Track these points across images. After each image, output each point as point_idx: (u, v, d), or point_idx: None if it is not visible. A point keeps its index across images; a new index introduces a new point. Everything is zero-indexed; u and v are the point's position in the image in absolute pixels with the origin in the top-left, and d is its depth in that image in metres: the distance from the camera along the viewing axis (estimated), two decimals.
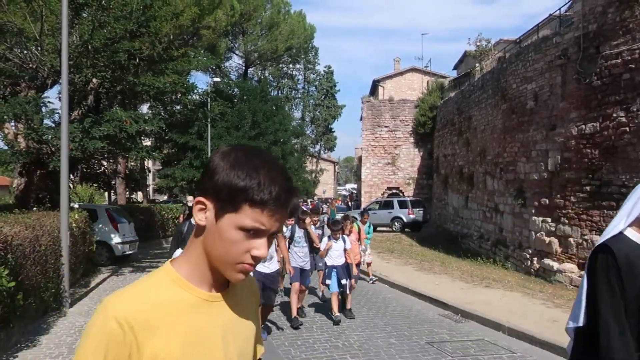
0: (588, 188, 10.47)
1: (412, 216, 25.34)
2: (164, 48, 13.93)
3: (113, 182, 26.75)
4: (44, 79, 12.19)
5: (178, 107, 18.02)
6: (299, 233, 7.73)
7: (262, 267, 6.41)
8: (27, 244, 7.04)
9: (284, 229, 7.89)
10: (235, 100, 31.24)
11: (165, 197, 47.06)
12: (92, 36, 11.45)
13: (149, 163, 38.92)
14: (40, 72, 11.96)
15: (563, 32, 11.75)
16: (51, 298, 8.23)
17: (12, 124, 12.47)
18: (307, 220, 7.90)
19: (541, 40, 13.01)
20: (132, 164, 28.86)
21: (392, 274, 11.99)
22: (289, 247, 7.59)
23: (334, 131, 58.92)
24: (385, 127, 30.43)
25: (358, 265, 9.93)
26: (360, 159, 37.57)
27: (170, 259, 1.17)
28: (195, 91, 17.00)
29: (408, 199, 26.90)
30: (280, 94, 50.39)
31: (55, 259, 8.49)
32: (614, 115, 9.80)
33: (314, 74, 55.50)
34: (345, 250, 8.03)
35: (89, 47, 11.61)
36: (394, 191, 30.05)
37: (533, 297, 9.41)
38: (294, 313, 7.52)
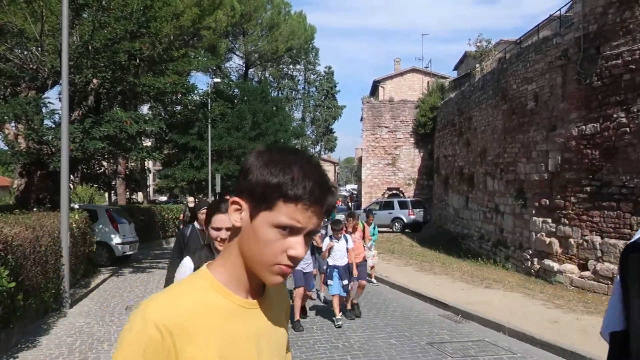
0: (588, 189, 10.46)
1: (412, 217, 25.33)
2: (164, 49, 13.93)
3: (113, 183, 26.75)
4: (44, 79, 12.19)
5: (178, 108, 18.01)
6: None
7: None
8: (27, 245, 7.04)
9: None
10: (236, 101, 31.25)
11: (164, 198, 47.08)
12: (92, 37, 11.45)
13: (149, 164, 38.92)
14: (41, 73, 11.97)
15: (563, 33, 11.75)
16: (51, 298, 8.23)
17: (13, 124, 12.48)
18: None
19: (541, 40, 13.01)
20: (133, 164, 28.86)
21: (392, 274, 11.99)
22: None
23: (334, 132, 58.99)
24: (386, 127, 30.43)
25: (361, 263, 9.22)
26: (360, 159, 37.55)
27: (207, 263, 1.14)
28: (196, 92, 17.01)
29: (408, 199, 26.89)
30: (280, 95, 50.42)
31: (56, 259, 8.49)
32: (615, 115, 9.80)
33: (314, 75, 55.55)
34: (347, 249, 7.83)
35: (90, 47, 11.61)
36: (395, 192, 30.04)
37: (533, 297, 9.41)
38: (297, 316, 7.48)
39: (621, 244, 9.57)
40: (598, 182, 10.21)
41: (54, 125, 12.43)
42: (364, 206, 28.68)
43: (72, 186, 20.10)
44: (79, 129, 11.59)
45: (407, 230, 25.05)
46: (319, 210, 1.04)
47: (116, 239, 14.36)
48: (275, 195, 1.01)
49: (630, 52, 9.54)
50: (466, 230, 19.49)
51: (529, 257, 12.76)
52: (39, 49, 11.81)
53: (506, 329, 7.30)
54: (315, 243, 8.03)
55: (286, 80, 53.18)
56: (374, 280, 11.54)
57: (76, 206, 14.52)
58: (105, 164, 19.47)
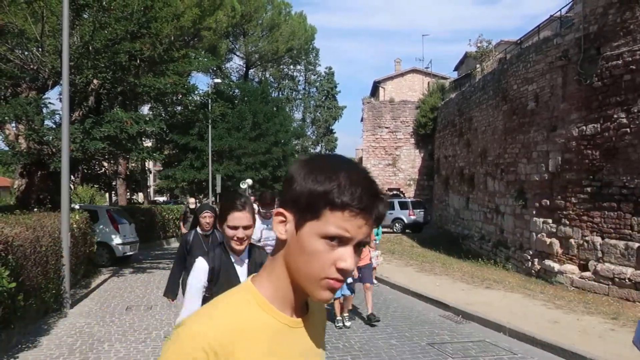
0: (589, 189, 10.46)
1: (412, 217, 25.32)
2: (164, 49, 13.94)
3: (114, 183, 26.75)
4: (44, 80, 12.20)
5: (179, 108, 18.00)
6: None
7: None
8: (27, 245, 7.04)
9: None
10: (236, 102, 31.29)
11: (164, 198, 47.09)
12: (92, 37, 11.46)
13: (149, 164, 38.93)
14: (41, 73, 11.97)
15: (564, 33, 11.75)
16: (52, 299, 8.23)
17: (13, 125, 12.49)
18: None
19: (542, 41, 13.01)
20: (133, 165, 28.86)
21: (393, 275, 11.98)
22: None
23: (335, 132, 58.97)
24: (386, 128, 30.43)
25: (367, 265, 8.57)
26: (361, 160, 37.54)
27: (251, 277, 1.08)
28: (196, 92, 17.01)
29: (409, 200, 26.88)
30: (281, 95, 50.45)
31: (56, 259, 8.49)
32: (615, 116, 9.80)
33: (314, 75, 55.54)
34: None
35: (90, 48, 11.62)
36: (395, 192, 30.04)
37: (534, 298, 9.40)
38: None
39: (622, 244, 9.58)
40: (598, 183, 10.21)
41: (54, 126, 12.44)
42: None
43: (72, 186, 20.11)
44: (79, 129, 11.60)
45: (407, 230, 25.05)
46: (369, 218, 0.98)
47: (117, 240, 14.36)
48: (321, 203, 0.96)
49: (630, 52, 9.54)
50: (467, 230, 19.48)
51: (529, 257, 12.75)
52: (40, 49, 11.82)
53: (507, 330, 7.30)
54: None
55: (286, 81, 53.19)
56: (374, 280, 11.54)
57: (77, 206, 14.53)
58: (105, 164, 19.50)
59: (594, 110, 10.39)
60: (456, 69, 36.80)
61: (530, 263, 12.67)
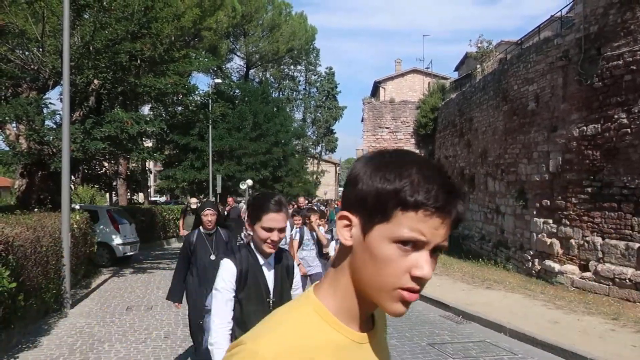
0: (589, 189, 10.45)
1: None
2: (165, 49, 13.95)
3: (114, 184, 26.77)
4: (45, 80, 12.21)
5: (179, 109, 18.02)
6: (307, 235, 7.45)
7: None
8: (28, 245, 7.04)
9: (293, 230, 7.60)
10: (237, 102, 31.29)
11: (163, 199, 47.11)
12: (93, 37, 11.47)
13: (150, 164, 38.94)
14: (42, 73, 11.98)
15: (564, 34, 11.75)
16: (52, 299, 8.23)
17: (14, 125, 12.50)
18: (313, 218, 7.47)
19: (542, 41, 13.01)
20: (134, 165, 28.88)
21: None
22: (298, 251, 7.33)
23: (335, 132, 58.97)
24: (387, 128, 30.43)
25: None
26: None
27: (314, 284, 0.99)
28: (197, 92, 17.02)
29: None
30: (281, 96, 50.45)
31: (57, 260, 8.50)
32: (615, 116, 9.79)
33: (315, 75, 55.55)
34: None
35: (91, 48, 11.63)
36: None
37: (534, 298, 9.40)
38: None
39: (622, 244, 9.57)
40: (599, 183, 10.21)
41: (55, 126, 12.45)
42: None
43: (73, 187, 20.13)
44: (80, 129, 11.61)
45: None
46: (446, 219, 0.88)
47: (117, 240, 14.36)
48: (391, 204, 0.86)
49: (631, 52, 9.53)
50: (467, 231, 19.48)
51: (529, 257, 12.75)
52: (40, 49, 11.83)
53: (507, 330, 7.29)
54: (323, 248, 7.66)
55: (287, 81, 53.20)
56: None
57: (77, 207, 14.53)
58: (106, 164, 19.52)
59: (595, 110, 10.38)
60: (456, 69, 36.80)
61: (530, 263, 12.67)
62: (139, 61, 12.99)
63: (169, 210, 23.47)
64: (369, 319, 0.99)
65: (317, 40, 52.70)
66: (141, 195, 37.76)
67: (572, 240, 10.94)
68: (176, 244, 20.30)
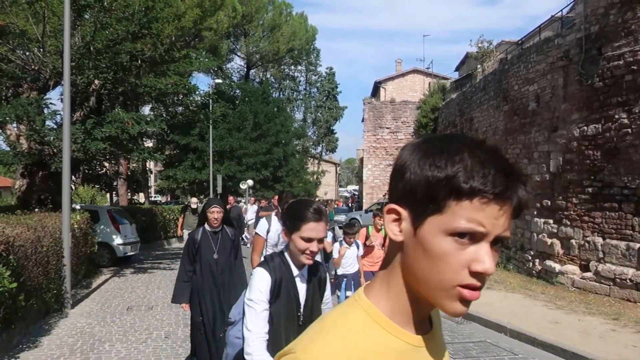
0: (590, 189, 10.45)
1: None
2: (165, 49, 13.95)
3: (115, 184, 26.77)
4: (46, 80, 12.22)
5: (180, 109, 18.04)
6: None
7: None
8: (29, 245, 7.04)
9: None
10: (237, 102, 31.31)
11: (163, 199, 47.11)
12: (94, 37, 11.48)
13: (150, 164, 38.96)
14: (42, 74, 11.99)
15: (565, 34, 11.74)
16: (53, 299, 8.24)
17: (14, 125, 12.50)
18: None
19: (543, 41, 13.00)
20: (134, 165, 28.89)
21: None
22: None
23: (336, 133, 58.98)
24: (387, 128, 30.43)
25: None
26: (361, 160, 37.58)
27: (363, 285, 0.93)
28: (197, 93, 17.03)
29: None
30: (281, 96, 50.47)
31: (57, 260, 8.50)
32: (616, 116, 9.79)
33: (315, 76, 55.56)
34: (357, 256, 7.13)
35: (91, 48, 11.63)
36: None
37: (535, 298, 9.40)
38: None
39: (623, 245, 9.57)
40: (599, 183, 10.20)
41: (55, 126, 12.46)
42: (365, 207, 28.68)
43: (73, 187, 20.12)
44: (80, 129, 11.61)
45: None
46: (507, 206, 0.79)
47: (117, 240, 14.36)
48: (443, 192, 0.78)
49: (632, 52, 9.53)
50: None
51: (530, 258, 12.74)
52: (41, 49, 11.84)
53: (507, 330, 7.29)
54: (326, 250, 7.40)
55: (287, 81, 53.22)
56: None
57: (78, 207, 14.53)
58: (106, 164, 19.50)
59: (595, 110, 10.38)
60: (457, 69, 36.80)
61: (531, 263, 12.66)
62: (139, 61, 13.00)
63: (169, 211, 23.48)
64: (426, 320, 0.91)
65: (317, 40, 52.75)
66: (142, 195, 37.77)
67: (573, 241, 10.93)
68: (177, 244, 20.30)
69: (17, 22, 11.42)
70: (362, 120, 33.04)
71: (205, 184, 28.24)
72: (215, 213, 4.80)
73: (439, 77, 34.42)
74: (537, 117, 12.85)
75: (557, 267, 11.35)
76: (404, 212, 0.83)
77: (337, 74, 80.00)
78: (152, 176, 44.32)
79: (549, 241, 11.82)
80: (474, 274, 0.79)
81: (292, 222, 2.41)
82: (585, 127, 10.64)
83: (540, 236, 12.29)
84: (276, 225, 4.94)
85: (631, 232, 9.44)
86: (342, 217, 26.93)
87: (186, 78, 17.59)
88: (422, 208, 0.80)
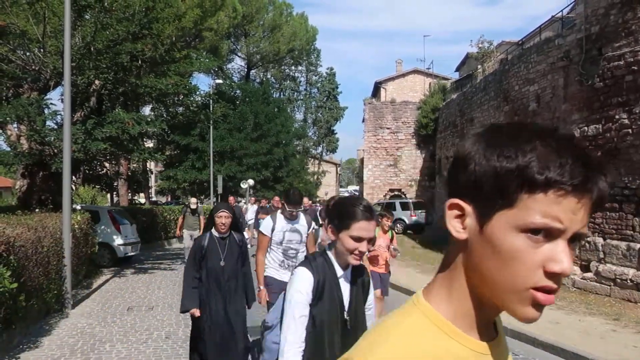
0: None
1: (414, 218, 25.30)
2: (166, 50, 13.96)
3: (115, 184, 26.78)
4: (46, 80, 12.22)
5: (180, 109, 18.05)
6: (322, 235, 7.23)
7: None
8: (29, 246, 7.05)
9: (309, 229, 6.74)
10: (238, 102, 31.35)
11: (163, 199, 47.14)
12: (94, 38, 11.49)
13: (151, 165, 38.98)
14: (43, 74, 12.00)
15: (565, 34, 11.75)
16: (53, 299, 8.24)
17: (15, 125, 12.51)
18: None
19: (543, 42, 13.01)
20: (135, 165, 28.91)
21: (394, 275, 11.93)
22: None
23: (336, 133, 59.02)
24: (387, 128, 30.44)
25: (385, 275, 7.48)
26: (362, 160, 37.58)
27: (423, 290, 0.85)
28: (198, 93, 17.04)
29: (410, 200, 26.86)
30: (282, 96, 50.51)
31: (58, 260, 8.51)
32: (617, 117, 9.79)
33: (316, 76, 55.61)
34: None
35: (92, 48, 11.64)
36: (396, 193, 30.04)
37: None
38: None
39: (623, 245, 9.57)
40: None
41: (56, 127, 12.46)
42: None
43: (74, 187, 20.12)
44: (81, 130, 11.62)
45: (408, 231, 25.04)
46: (585, 199, 0.71)
47: (118, 240, 14.36)
48: (514, 184, 0.71)
49: (632, 53, 9.53)
50: None
51: None
52: (41, 50, 11.84)
53: (508, 330, 7.28)
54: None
55: (288, 82, 53.25)
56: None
57: (78, 207, 14.53)
58: (107, 165, 19.51)
59: (596, 111, 10.38)
60: (457, 69, 36.80)
61: None
62: (140, 62, 13.01)
63: (169, 211, 23.48)
64: (491, 326, 0.85)
65: (317, 40, 52.73)
66: (142, 195, 37.78)
67: None
68: (177, 245, 20.30)
69: (18, 23, 11.43)
70: (363, 121, 33.05)
71: (205, 184, 28.26)
72: (223, 218, 4.66)
73: (439, 77, 34.42)
74: (537, 117, 12.85)
75: None
76: (468, 208, 0.76)
77: (338, 74, 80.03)
78: (153, 176, 44.33)
79: None
80: (550, 275, 0.74)
81: (341, 220, 2.28)
82: (586, 128, 10.64)
83: None
84: (281, 224, 4.89)
85: (632, 232, 9.44)
86: None
87: (187, 78, 17.60)
88: (490, 202, 0.73)
